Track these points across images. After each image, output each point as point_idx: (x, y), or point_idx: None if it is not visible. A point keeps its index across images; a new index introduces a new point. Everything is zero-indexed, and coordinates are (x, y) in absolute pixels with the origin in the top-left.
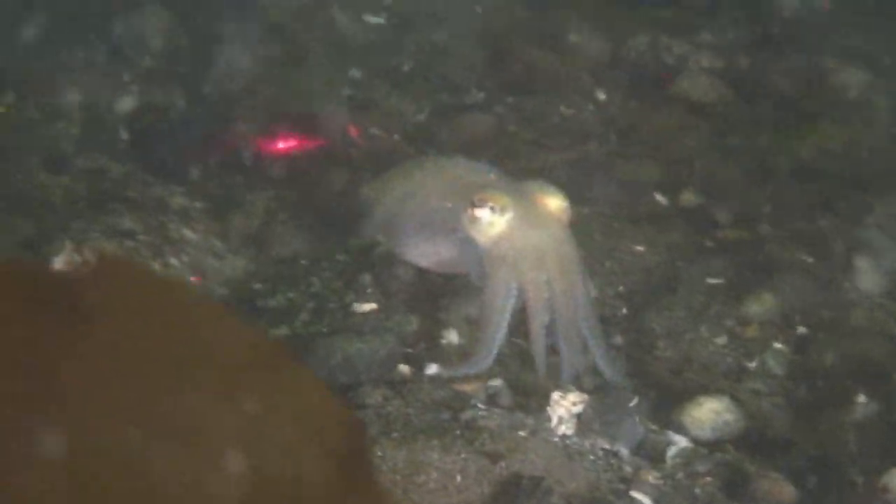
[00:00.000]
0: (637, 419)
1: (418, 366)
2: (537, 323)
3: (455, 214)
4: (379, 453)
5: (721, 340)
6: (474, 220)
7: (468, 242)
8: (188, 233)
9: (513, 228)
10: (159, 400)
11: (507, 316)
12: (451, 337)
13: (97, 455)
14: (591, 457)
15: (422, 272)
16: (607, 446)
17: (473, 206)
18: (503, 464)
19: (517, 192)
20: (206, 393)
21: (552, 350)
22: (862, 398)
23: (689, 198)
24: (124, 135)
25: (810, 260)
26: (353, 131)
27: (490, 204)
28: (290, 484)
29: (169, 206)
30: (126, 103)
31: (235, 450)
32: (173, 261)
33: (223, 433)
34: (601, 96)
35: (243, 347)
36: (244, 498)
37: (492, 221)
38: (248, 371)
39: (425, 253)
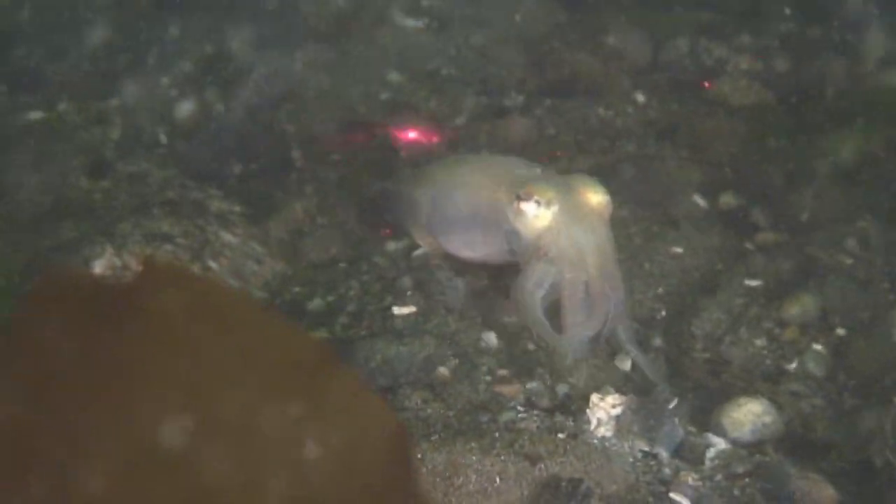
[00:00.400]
0: (676, 421)
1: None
2: (572, 319)
3: (501, 207)
4: (419, 456)
5: (760, 342)
6: (520, 212)
7: (513, 234)
8: (227, 236)
9: (557, 223)
10: (208, 402)
11: (542, 308)
12: (490, 340)
13: (152, 454)
14: (631, 459)
15: (463, 272)
16: (646, 448)
17: (520, 198)
18: (542, 466)
19: (562, 186)
20: (253, 394)
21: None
22: None
23: (728, 200)
24: (164, 139)
25: (849, 262)
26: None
27: (536, 197)
28: (334, 485)
29: (208, 210)
30: (166, 108)
31: (281, 450)
32: (212, 264)
33: (269, 434)
34: (640, 98)
35: (288, 349)
36: (290, 497)
37: (537, 214)
38: (293, 373)
39: (471, 243)
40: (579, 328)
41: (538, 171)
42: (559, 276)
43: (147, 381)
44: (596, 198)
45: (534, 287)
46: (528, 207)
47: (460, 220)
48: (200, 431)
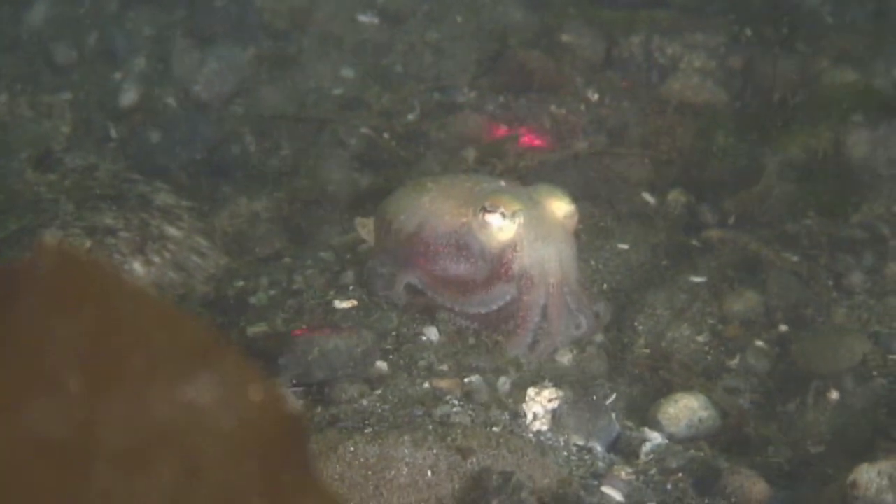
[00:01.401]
0: (613, 416)
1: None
2: (518, 342)
3: (467, 226)
4: (351, 448)
5: (702, 338)
6: (484, 224)
7: (475, 246)
8: (171, 230)
9: (521, 236)
10: (90, 390)
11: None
12: (432, 334)
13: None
14: (565, 453)
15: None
16: (581, 442)
17: (485, 210)
18: (474, 459)
19: (527, 197)
20: (140, 383)
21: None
22: (835, 394)
23: (676, 197)
24: (114, 133)
25: (794, 259)
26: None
27: (501, 209)
28: (224, 468)
29: (153, 204)
30: (118, 102)
31: (169, 435)
32: (155, 258)
33: (156, 419)
34: (593, 96)
35: (174, 333)
36: (178, 487)
37: (502, 227)
38: (183, 361)
39: (440, 273)
40: (522, 349)
41: (501, 183)
42: (517, 298)
43: (21, 368)
44: (562, 209)
45: (489, 305)
46: (493, 219)
47: (432, 254)
48: (84, 421)
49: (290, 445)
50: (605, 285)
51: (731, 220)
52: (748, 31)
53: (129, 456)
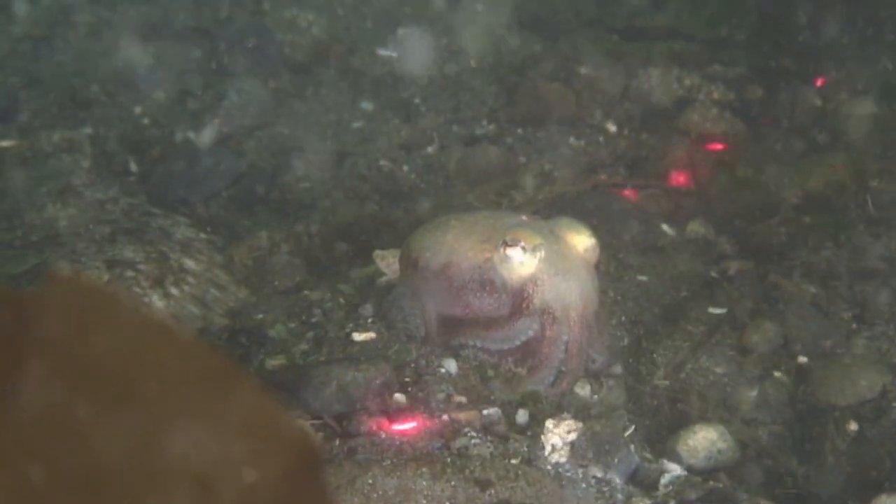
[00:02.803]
0: (632, 448)
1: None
2: (542, 377)
3: (490, 262)
4: (370, 481)
5: (721, 370)
6: (505, 258)
7: (498, 282)
8: (190, 263)
9: (542, 271)
10: (106, 419)
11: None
12: (451, 366)
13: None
14: (584, 485)
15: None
16: (600, 474)
17: (506, 245)
18: (492, 491)
19: (548, 231)
20: (154, 410)
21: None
22: (854, 426)
23: (695, 228)
24: (134, 167)
25: (813, 290)
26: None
27: (522, 243)
28: (237, 496)
29: (173, 237)
30: (138, 136)
31: (182, 465)
32: (174, 290)
33: (169, 450)
34: (611, 128)
35: (193, 364)
36: None
37: (523, 261)
38: (197, 388)
39: (464, 309)
40: (543, 386)
41: (523, 218)
42: (539, 333)
43: (45, 399)
44: (583, 244)
45: (512, 341)
46: (514, 253)
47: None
48: (98, 449)
49: (306, 477)
50: (623, 317)
51: (750, 252)
52: (767, 63)
53: (141, 484)
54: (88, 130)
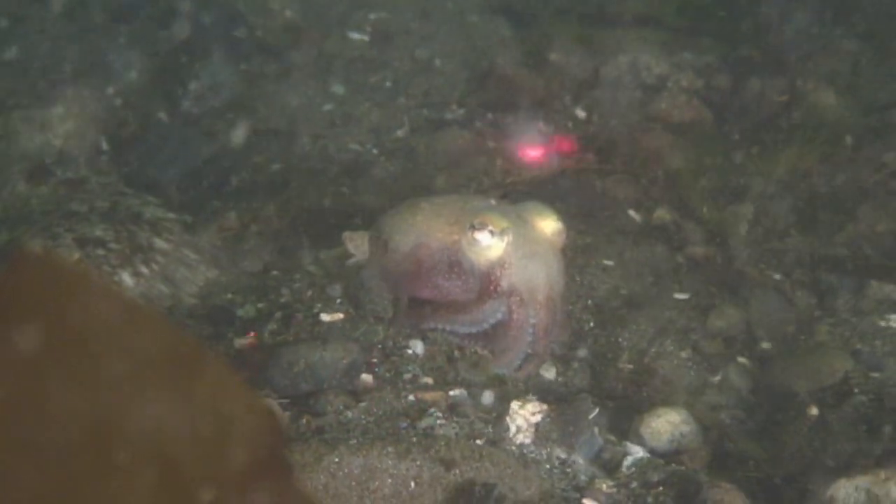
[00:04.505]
0: (596, 430)
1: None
2: (510, 358)
3: (458, 244)
4: (336, 459)
5: (685, 354)
6: (473, 242)
7: (466, 264)
8: (160, 243)
9: (510, 254)
10: (73, 395)
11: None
12: (418, 348)
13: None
14: (547, 465)
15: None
16: (564, 455)
17: (474, 228)
18: (457, 471)
19: (515, 216)
20: (121, 387)
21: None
22: (815, 411)
23: (662, 215)
24: (106, 147)
25: (777, 277)
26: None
27: (490, 227)
28: (204, 470)
29: (143, 217)
30: (110, 116)
31: (152, 438)
32: (143, 269)
33: (140, 424)
34: (581, 114)
35: (158, 340)
36: (161, 485)
37: (491, 245)
38: (167, 368)
39: (433, 291)
40: (510, 369)
41: (492, 202)
42: (507, 315)
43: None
44: (550, 228)
45: (480, 324)
46: (482, 237)
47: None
48: (70, 423)
49: (270, 453)
50: (589, 301)
51: (716, 239)
52: (736, 52)
53: (110, 458)
54: (60, 110)
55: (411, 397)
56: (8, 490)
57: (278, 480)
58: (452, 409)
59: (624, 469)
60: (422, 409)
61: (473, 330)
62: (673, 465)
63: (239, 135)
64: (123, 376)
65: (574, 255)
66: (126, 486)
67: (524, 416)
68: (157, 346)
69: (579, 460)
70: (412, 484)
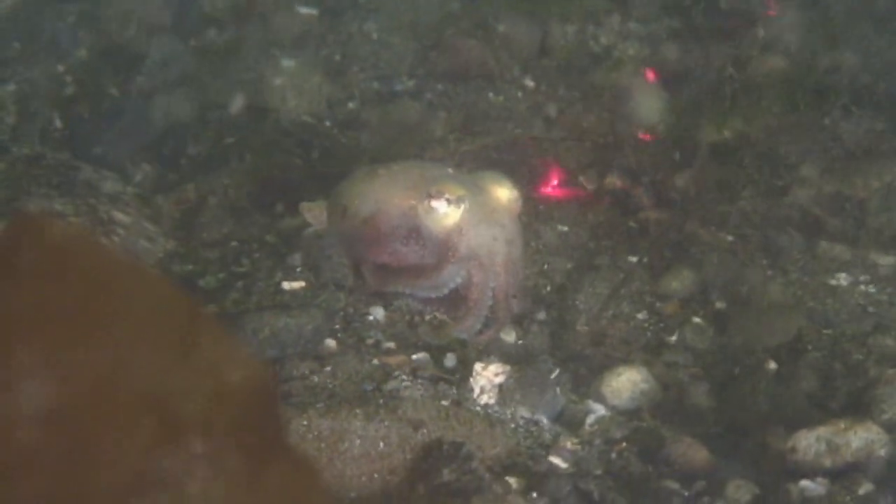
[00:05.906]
0: (557, 390)
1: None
2: (471, 323)
3: (415, 210)
4: (304, 423)
5: (642, 316)
6: (430, 210)
7: (424, 231)
8: (119, 215)
9: (467, 221)
10: (77, 356)
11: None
12: (379, 314)
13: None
14: (512, 424)
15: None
16: (528, 415)
17: (430, 196)
18: (424, 431)
19: (472, 184)
20: (120, 344)
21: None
22: (773, 365)
23: (612, 181)
24: (59, 123)
25: (730, 238)
26: None
27: (447, 195)
28: (201, 429)
29: (101, 190)
30: (61, 93)
31: (150, 398)
32: (104, 242)
33: (139, 383)
34: (529, 83)
35: (157, 301)
36: (158, 443)
37: (447, 212)
38: (161, 322)
39: (392, 256)
40: (470, 333)
41: (449, 171)
42: (467, 279)
43: (14, 335)
44: (506, 195)
45: (440, 289)
46: (439, 205)
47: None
48: (72, 384)
49: (265, 410)
50: (545, 265)
51: (667, 203)
52: (681, 20)
53: (109, 413)
54: (12, 87)
55: (375, 361)
56: (8, 446)
57: (275, 436)
58: (416, 371)
59: (587, 427)
60: (386, 373)
61: (433, 295)
62: (635, 421)
63: (191, 109)
64: (122, 333)
65: (529, 220)
66: (124, 438)
67: (487, 378)
68: (154, 304)
69: (543, 419)
70: (381, 444)
